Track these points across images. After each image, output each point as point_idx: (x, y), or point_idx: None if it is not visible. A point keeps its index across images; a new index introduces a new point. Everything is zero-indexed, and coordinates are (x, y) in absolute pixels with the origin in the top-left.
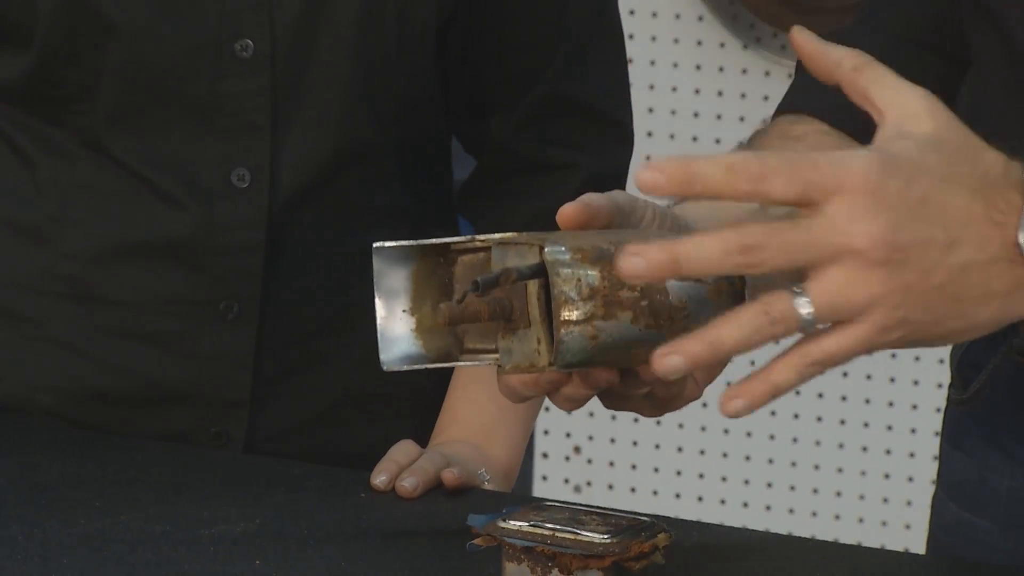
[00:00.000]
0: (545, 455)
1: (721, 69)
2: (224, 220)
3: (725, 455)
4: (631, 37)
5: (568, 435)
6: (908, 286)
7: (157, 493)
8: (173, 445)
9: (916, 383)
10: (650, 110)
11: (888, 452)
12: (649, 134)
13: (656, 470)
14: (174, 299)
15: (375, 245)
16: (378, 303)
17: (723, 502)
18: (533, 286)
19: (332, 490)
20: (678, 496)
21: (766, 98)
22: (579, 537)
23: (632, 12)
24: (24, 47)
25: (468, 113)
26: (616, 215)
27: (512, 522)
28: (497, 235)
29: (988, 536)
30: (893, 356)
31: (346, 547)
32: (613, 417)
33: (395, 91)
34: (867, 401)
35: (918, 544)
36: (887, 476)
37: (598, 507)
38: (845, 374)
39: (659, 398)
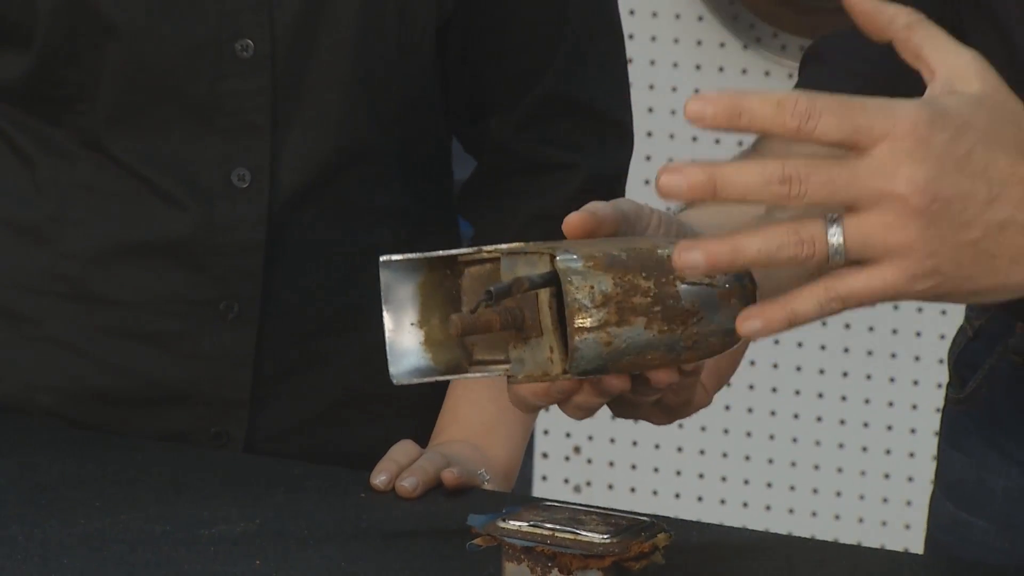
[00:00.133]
0: (545, 455)
1: (721, 69)
2: (224, 220)
3: (725, 455)
4: (631, 37)
5: (568, 435)
6: (944, 237)
7: (157, 493)
8: (173, 445)
9: (916, 383)
10: (650, 110)
11: (888, 452)
12: (649, 134)
13: (656, 470)
14: (174, 299)
15: (382, 259)
16: (386, 316)
17: (723, 502)
18: (544, 295)
19: (332, 490)
20: (678, 496)
21: None
22: (579, 537)
23: (632, 12)
24: (24, 47)
25: (468, 113)
26: (622, 223)
27: (512, 522)
28: (505, 245)
29: (985, 536)
30: (893, 356)
31: (346, 547)
32: (613, 417)
33: (395, 91)
34: (867, 401)
35: (918, 544)
36: (887, 476)
37: (598, 507)
38: (845, 374)
39: (669, 405)
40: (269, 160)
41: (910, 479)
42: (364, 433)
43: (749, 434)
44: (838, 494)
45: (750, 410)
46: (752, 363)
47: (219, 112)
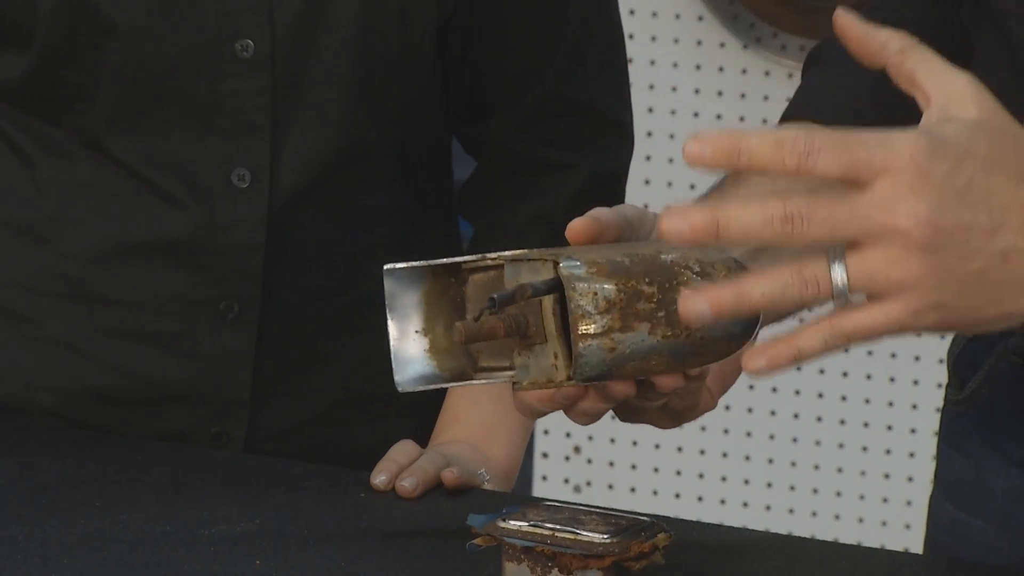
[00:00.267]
0: (545, 455)
1: (721, 69)
2: (224, 220)
3: (725, 455)
4: (631, 37)
5: (568, 435)
6: (948, 270)
7: (157, 493)
8: (173, 445)
9: (916, 383)
10: (650, 110)
11: (888, 452)
12: (649, 134)
13: (656, 470)
14: (174, 299)
15: (386, 267)
16: (391, 324)
17: (723, 502)
18: (548, 301)
19: (332, 490)
20: (678, 496)
21: (766, 98)
22: (579, 537)
23: (632, 12)
24: (24, 47)
25: (468, 113)
26: (625, 228)
27: (512, 522)
28: (509, 252)
29: (984, 536)
30: (893, 356)
31: (346, 547)
32: (613, 417)
33: (395, 91)
34: (867, 401)
35: (918, 544)
36: (887, 476)
37: (598, 507)
38: (845, 374)
39: (674, 409)
40: (269, 160)
41: (910, 479)
42: (364, 433)
43: (749, 434)
44: (838, 494)
45: (750, 410)
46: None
47: (219, 112)
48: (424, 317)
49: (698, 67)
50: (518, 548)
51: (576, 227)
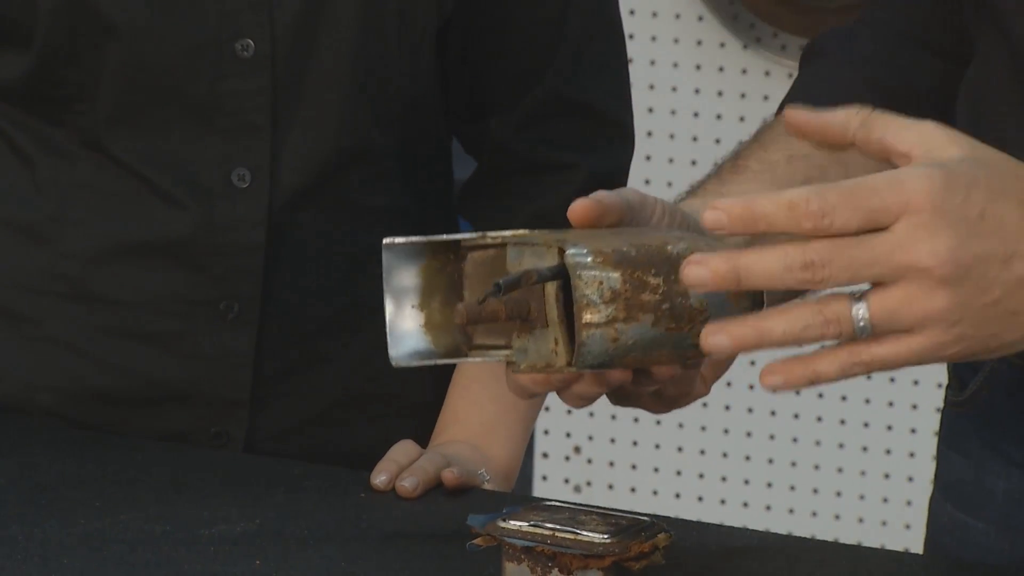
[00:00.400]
0: (545, 455)
1: (721, 69)
2: (224, 220)
3: (725, 455)
4: (631, 37)
5: (568, 435)
6: (967, 303)
7: (157, 493)
8: (173, 445)
9: (916, 383)
10: (650, 110)
11: (888, 452)
12: (649, 134)
13: (656, 470)
14: (174, 299)
15: (385, 241)
16: (387, 299)
17: (723, 502)
18: (552, 287)
19: (332, 490)
20: (678, 496)
21: (766, 98)
22: (579, 537)
23: (632, 12)
24: (24, 47)
25: (468, 113)
26: (627, 212)
27: (512, 522)
28: (509, 232)
29: (984, 538)
30: None
31: (346, 547)
32: (613, 417)
33: (395, 91)
34: (867, 401)
35: (918, 544)
36: (887, 476)
37: (598, 507)
38: None
39: (668, 396)
40: (269, 160)
41: (910, 479)
42: (364, 433)
43: (749, 434)
44: (838, 494)
45: (750, 410)
46: (752, 363)
47: (219, 112)
48: (421, 293)
49: (698, 67)
50: (518, 548)
51: (578, 208)
